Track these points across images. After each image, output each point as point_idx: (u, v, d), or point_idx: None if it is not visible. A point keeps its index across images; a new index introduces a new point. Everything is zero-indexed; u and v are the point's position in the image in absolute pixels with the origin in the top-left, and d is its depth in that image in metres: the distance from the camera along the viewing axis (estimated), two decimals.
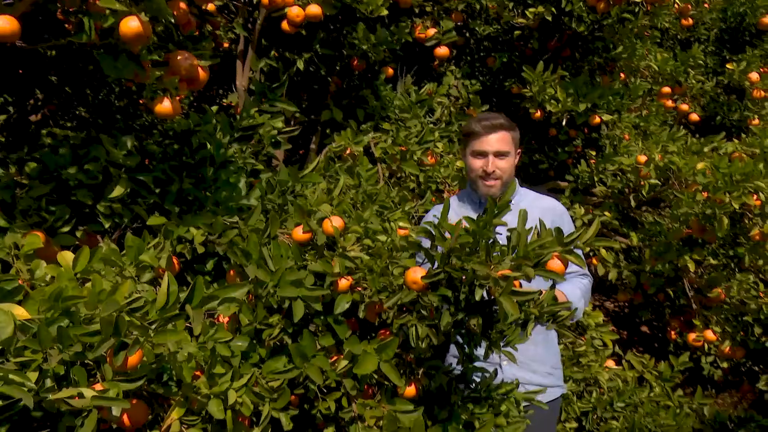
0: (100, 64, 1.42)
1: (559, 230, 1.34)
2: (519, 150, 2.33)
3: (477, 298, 1.27)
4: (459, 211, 2.31)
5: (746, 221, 2.83)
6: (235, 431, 1.48)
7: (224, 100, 4.06)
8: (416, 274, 1.47)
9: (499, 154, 2.20)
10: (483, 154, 2.21)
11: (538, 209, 2.20)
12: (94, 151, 1.75)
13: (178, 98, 1.51)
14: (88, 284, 1.32)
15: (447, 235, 1.41)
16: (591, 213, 3.64)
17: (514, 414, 1.76)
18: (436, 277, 1.42)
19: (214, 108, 2.54)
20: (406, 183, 3.05)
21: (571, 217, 2.31)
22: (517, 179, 2.35)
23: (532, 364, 2.22)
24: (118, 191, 1.71)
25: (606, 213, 3.66)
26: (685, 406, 3.03)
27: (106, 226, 1.76)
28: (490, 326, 1.37)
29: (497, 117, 2.24)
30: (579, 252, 2.14)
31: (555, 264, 1.37)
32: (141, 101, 2.27)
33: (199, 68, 1.52)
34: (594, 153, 3.91)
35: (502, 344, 1.37)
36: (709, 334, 3.30)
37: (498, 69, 3.62)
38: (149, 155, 2.01)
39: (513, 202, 2.22)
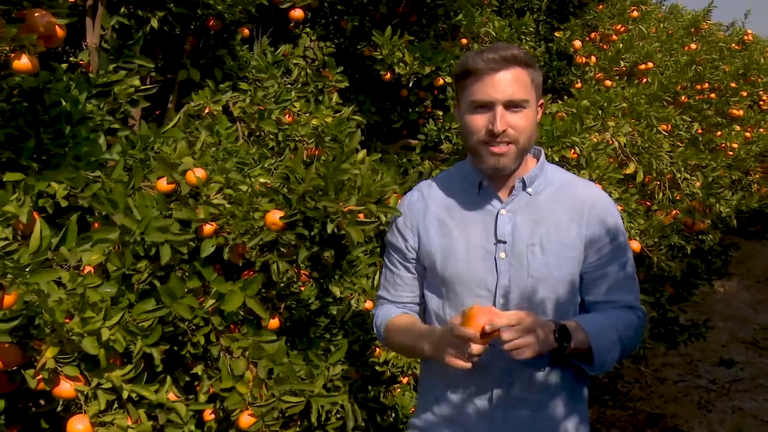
0: None
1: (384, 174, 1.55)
2: (542, 101, 1.59)
3: (329, 231, 1.47)
4: (444, 200, 1.62)
5: None
6: (108, 369, 1.59)
7: (72, 58, 3.92)
8: (275, 215, 1.64)
9: (512, 105, 1.46)
10: (487, 106, 1.47)
11: (566, 201, 1.56)
12: None
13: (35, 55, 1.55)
14: None
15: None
16: (438, 168, 3.96)
17: (364, 338, 2.00)
18: (293, 217, 1.60)
19: (64, 66, 2.51)
20: (265, 141, 3.18)
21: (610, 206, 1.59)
22: (542, 150, 1.62)
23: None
24: None
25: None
26: None
27: None
28: (341, 257, 1.58)
29: (508, 47, 1.48)
30: (628, 272, 1.58)
31: (393, 202, 1.60)
32: None
33: (57, 26, 1.56)
34: (441, 113, 4.23)
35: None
36: None
37: (351, 32, 3.80)
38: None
39: (530, 189, 1.56)
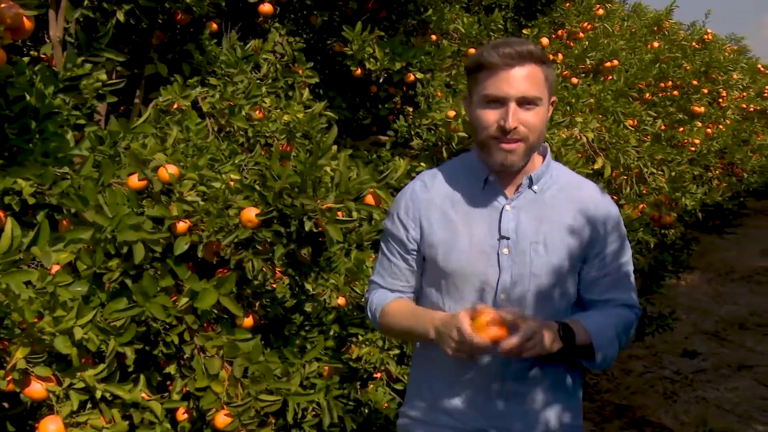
0: None
1: (368, 171, 1.55)
2: (554, 98, 1.58)
3: (306, 229, 1.46)
4: (448, 192, 1.59)
5: None
6: (80, 369, 1.56)
7: (32, 52, 3.82)
8: (251, 212, 1.62)
9: (525, 102, 1.45)
10: (500, 101, 1.45)
11: (570, 200, 1.56)
12: None
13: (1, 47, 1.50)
14: None
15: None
16: (410, 164, 3.97)
17: (342, 334, 2.00)
18: (269, 214, 1.58)
19: (26, 59, 2.44)
20: (235, 137, 3.14)
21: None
22: (548, 147, 1.62)
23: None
24: None
25: (422, 164, 4.01)
26: None
27: None
28: (318, 254, 1.57)
29: (523, 42, 1.46)
30: (626, 271, 1.60)
31: (369, 199, 1.59)
32: None
33: (24, 17, 1.51)
34: (411, 109, 4.24)
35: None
36: None
37: (321, 27, 3.78)
38: None
39: (535, 187, 1.55)
